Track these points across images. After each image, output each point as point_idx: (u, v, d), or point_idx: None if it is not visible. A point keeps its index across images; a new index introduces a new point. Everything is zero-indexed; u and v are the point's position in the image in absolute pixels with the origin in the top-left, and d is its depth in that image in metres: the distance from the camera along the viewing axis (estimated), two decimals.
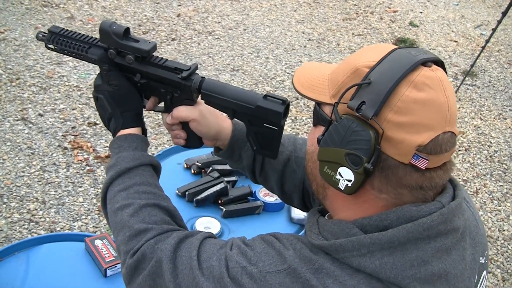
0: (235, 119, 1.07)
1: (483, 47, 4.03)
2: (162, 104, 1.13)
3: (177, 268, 0.87)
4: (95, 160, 3.23)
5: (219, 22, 5.27)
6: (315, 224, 0.87)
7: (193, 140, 1.13)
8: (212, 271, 0.84)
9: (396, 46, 0.83)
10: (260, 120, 1.02)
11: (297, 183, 1.18)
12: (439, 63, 0.82)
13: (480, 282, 0.91)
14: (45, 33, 1.16)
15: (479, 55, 4.12)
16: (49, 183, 3.03)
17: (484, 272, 0.93)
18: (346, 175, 0.79)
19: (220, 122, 1.13)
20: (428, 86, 0.77)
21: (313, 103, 0.89)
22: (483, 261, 0.91)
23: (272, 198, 1.88)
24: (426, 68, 0.78)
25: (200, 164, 1.98)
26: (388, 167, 0.78)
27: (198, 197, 1.82)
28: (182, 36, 4.88)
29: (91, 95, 3.83)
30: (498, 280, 2.85)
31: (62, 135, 3.41)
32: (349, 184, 0.80)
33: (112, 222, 1.00)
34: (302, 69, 0.93)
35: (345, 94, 0.79)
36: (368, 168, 0.76)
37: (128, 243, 0.94)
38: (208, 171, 1.95)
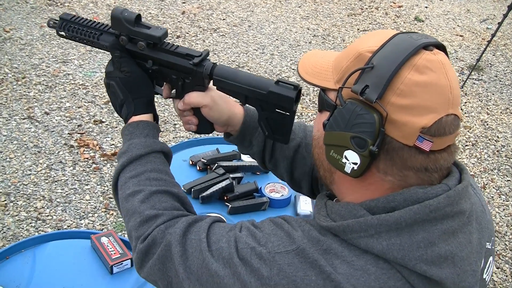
0: (246, 105, 1.07)
1: (489, 41, 4.00)
2: (173, 91, 1.13)
3: (187, 251, 0.88)
4: (102, 158, 3.24)
5: (223, 19, 5.27)
6: (323, 207, 0.88)
7: (204, 126, 1.13)
8: (222, 252, 0.85)
9: (398, 31, 0.83)
10: (272, 105, 1.02)
11: (307, 170, 1.19)
12: (441, 47, 0.82)
13: (486, 267, 0.91)
14: (56, 20, 1.17)
15: (485, 49, 4.10)
16: (56, 181, 3.04)
17: (491, 258, 0.93)
18: (352, 158, 0.80)
19: (232, 108, 1.13)
20: (430, 69, 0.77)
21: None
22: (490, 247, 0.91)
23: (278, 194, 1.87)
24: (428, 51, 0.79)
25: (205, 161, 1.97)
26: (393, 150, 0.79)
27: (204, 194, 1.81)
28: (187, 33, 4.88)
29: (97, 93, 3.83)
30: (507, 276, 2.83)
31: (68, 133, 3.42)
32: (355, 167, 0.80)
33: (123, 208, 1.01)
34: (306, 57, 0.94)
35: (349, 78, 0.80)
36: (373, 151, 0.77)
37: (139, 229, 0.95)
38: (213, 168, 1.94)
